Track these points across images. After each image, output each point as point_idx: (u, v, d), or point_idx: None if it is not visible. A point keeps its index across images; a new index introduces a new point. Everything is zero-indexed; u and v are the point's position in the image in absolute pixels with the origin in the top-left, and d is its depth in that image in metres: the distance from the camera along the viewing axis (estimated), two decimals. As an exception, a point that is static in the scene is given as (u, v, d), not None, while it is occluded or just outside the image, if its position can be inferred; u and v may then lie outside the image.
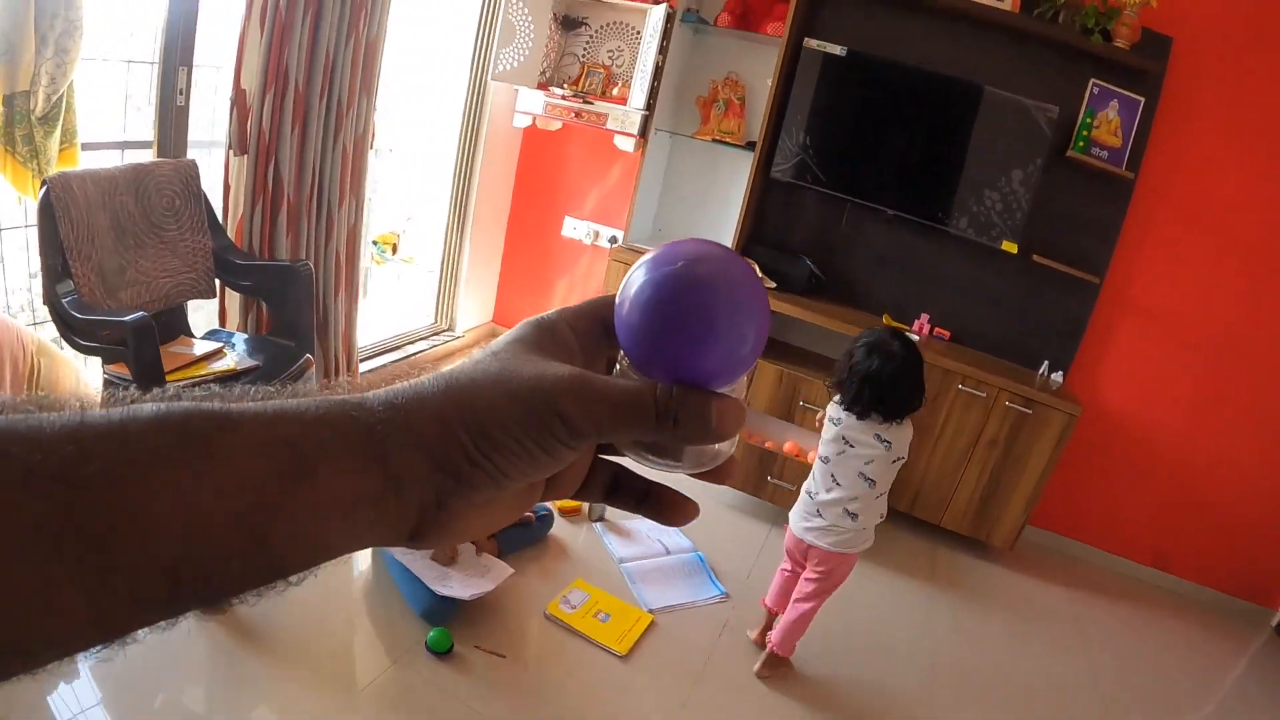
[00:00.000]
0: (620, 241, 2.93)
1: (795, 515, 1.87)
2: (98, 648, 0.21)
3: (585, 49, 3.13)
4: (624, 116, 2.89)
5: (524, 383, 0.25)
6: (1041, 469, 2.65)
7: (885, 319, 2.86)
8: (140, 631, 0.22)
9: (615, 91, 2.97)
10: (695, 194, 3.12)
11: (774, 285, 2.82)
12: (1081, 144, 2.77)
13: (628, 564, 2.26)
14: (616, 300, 0.27)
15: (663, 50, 2.83)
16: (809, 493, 1.83)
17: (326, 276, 2.53)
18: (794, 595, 1.88)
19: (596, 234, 3.13)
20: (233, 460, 0.22)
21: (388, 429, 0.24)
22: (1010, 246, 2.72)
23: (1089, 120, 2.78)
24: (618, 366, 0.28)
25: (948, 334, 2.87)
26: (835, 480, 1.76)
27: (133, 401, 0.22)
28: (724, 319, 0.25)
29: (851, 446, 1.73)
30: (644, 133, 2.89)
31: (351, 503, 0.24)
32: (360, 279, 2.72)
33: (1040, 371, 2.82)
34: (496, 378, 0.26)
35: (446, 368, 0.26)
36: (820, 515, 1.78)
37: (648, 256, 0.27)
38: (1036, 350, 2.85)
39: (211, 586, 0.22)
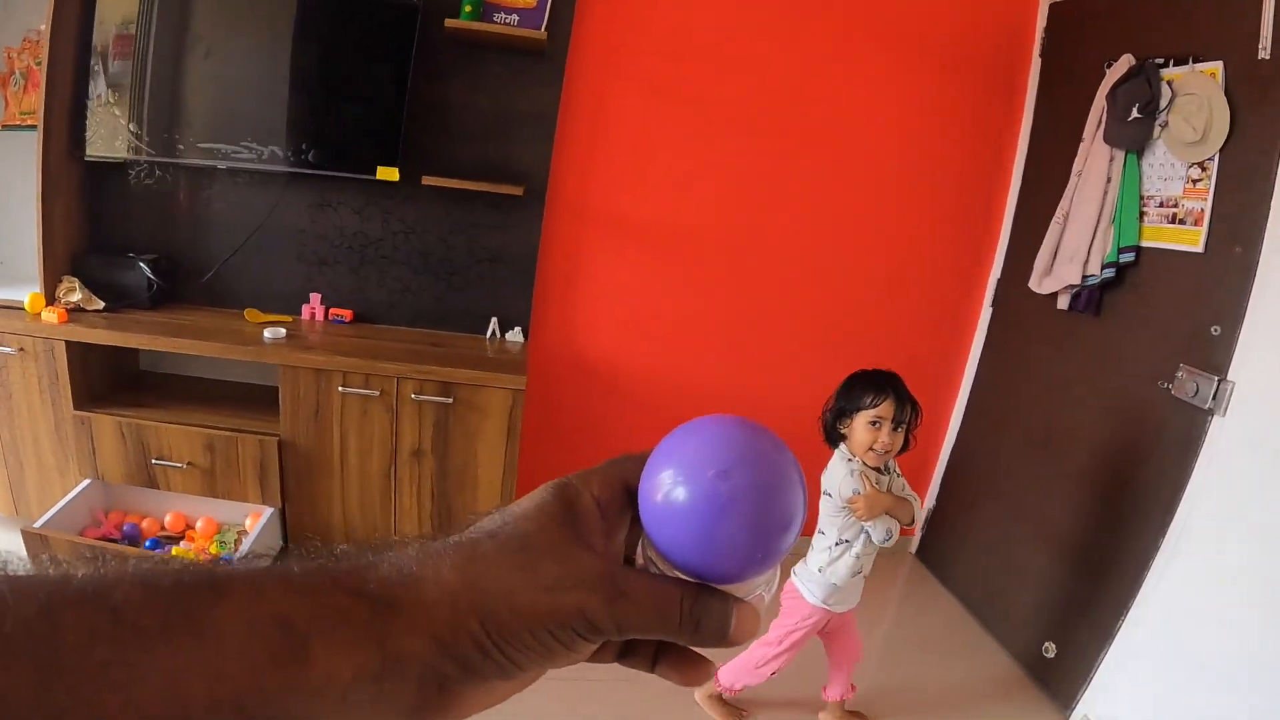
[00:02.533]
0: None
1: None
2: None
3: None
4: None
5: (548, 573, 0.24)
6: (501, 468, 1.91)
7: (248, 314, 2.02)
8: None
9: None
10: (25, 204, 2.15)
11: (101, 306, 1.92)
12: (470, 8, 1.97)
13: None
14: (643, 480, 0.26)
15: None
16: None
17: None
18: None
19: None
20: (223, 640, 0.20)
21: (390, 607, 0.23)
22: (389, 173, 1.92)
23: (474, -23, 1.99)
24: (638, 556, 0.27)
25: (349, 314, 2.06)
26: None
27: (106, 562, 0.21)
28: (760, 531, 0.25)
29: None
30: None
31: (347, 682, 0.22)
32: None
33: (490, 333, 2.06)
34: (518, 558, 0.24)
35: (466, 533, 0.25)
36: None
37: (676, 445, 0.26)
38: (483, 307, 2.09)
39: None
